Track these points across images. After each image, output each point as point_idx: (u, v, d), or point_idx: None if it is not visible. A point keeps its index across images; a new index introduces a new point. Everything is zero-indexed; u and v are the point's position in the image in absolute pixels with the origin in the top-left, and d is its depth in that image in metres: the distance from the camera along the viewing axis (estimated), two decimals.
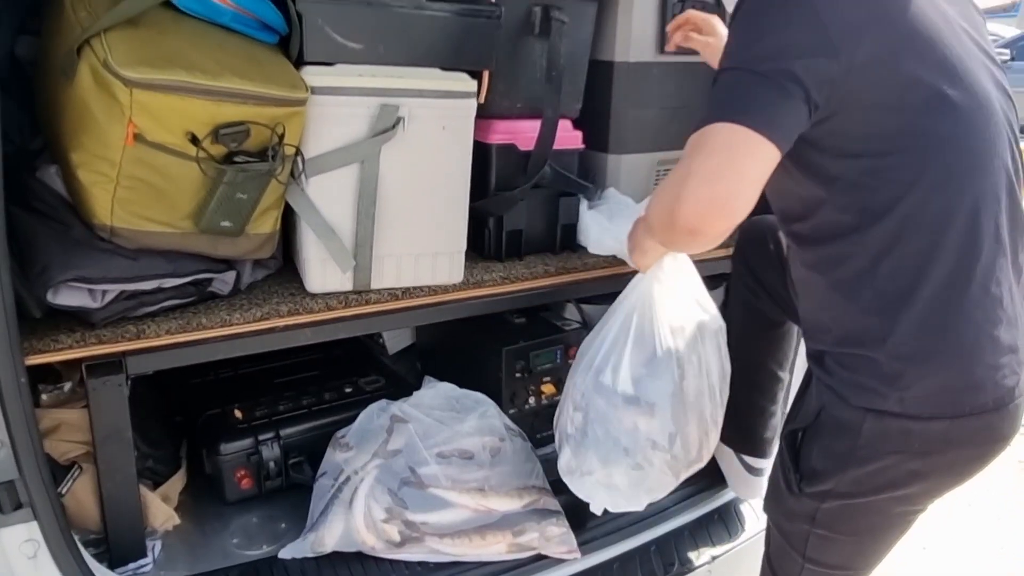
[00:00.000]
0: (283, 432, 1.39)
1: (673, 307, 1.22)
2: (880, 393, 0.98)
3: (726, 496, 1.62)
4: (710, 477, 1.58)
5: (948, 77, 0.93)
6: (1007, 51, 8.88)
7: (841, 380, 1.02)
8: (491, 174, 1.46)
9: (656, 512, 1.46)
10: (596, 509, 1.26)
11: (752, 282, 1.44)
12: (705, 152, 0.89)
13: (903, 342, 0.97)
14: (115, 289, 1.09)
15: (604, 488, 1.24)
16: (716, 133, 0.89)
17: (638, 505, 1.27)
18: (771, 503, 1.19)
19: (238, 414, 1.42)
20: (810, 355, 1.12)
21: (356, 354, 1.70)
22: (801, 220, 1.06)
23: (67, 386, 1.19)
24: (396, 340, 1.85)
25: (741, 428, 1.47)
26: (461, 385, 1.50)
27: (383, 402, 1.38)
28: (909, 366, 0.97)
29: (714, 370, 1.26)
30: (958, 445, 1.00)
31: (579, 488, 1.27)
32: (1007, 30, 11.79)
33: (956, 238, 0.95)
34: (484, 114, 1.40)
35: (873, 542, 1.11)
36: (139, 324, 1.14)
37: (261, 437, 1.37)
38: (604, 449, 1.23)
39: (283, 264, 1.38)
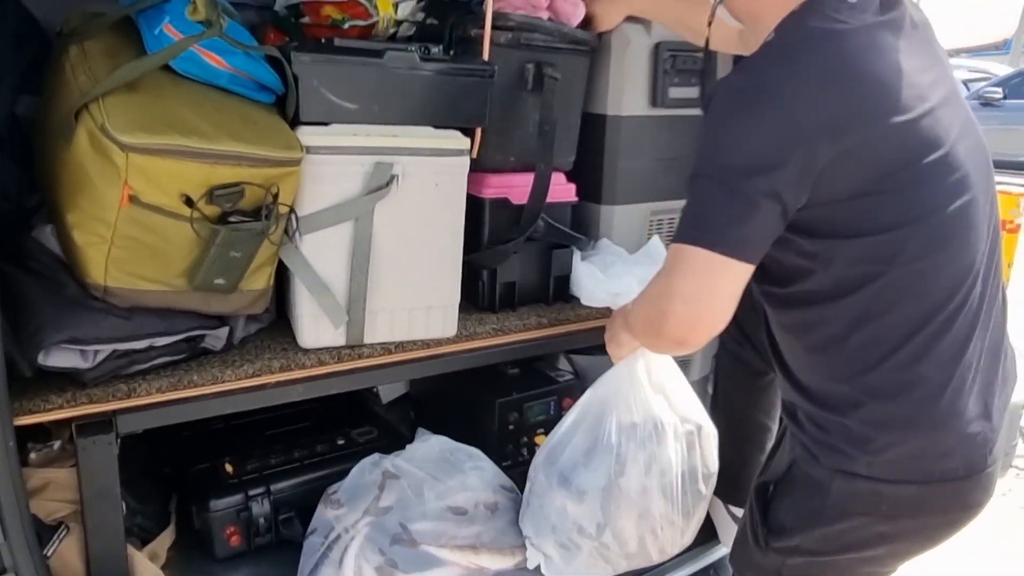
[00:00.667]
0: (274, 487, 1.38)
1: (632, 404, 1.25)
2: (849, 456, 0.99)
3: (721, 550, 1.60)
4: (705, 531, 1.56)
5: (926, 160, 0.94)
6: (999, 89, 9.01)
7: (813, 438, 1.03)
8: (485, 227, 1.48)
9: (651, 568, 1.44)
10: (530, 564, 1.31)
11: (737, 333, 1.45)
12: (682, 273, 0.94)
13: (874, 409, 0.98)
14: (107, 349, 1.09)
15: (541, 554, 1.30)
16: (693, 257, 0.93)
17: None
18: (737, 555, 1.20)
19: (228, 468, 1.41)
20: (785, 408, 1.13)
21: (349, 404, 1.70)
22: (777, 284, 1.07)
23: (56, 444, 1.18)
24: (390, 390, 1.85)
25: (728, 479, 1.47)
26: (456, 436, 1.49)
27: (375, 456, 1.37)
28: (880, 432, 0.98)
29: (673, 470, 1.25)
30: (928, 511, 1.00)
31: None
32: (999, 68, 11.98)
33: (930, 314, 0.95)
34: (477, 168, 1.42)
35: None
36: (130, 382, 1.14)
37: (251, 492, 1.36)
38: (536, 520, 1.29)
39: (276, 317, 1.38)
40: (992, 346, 1.01)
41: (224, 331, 1.23)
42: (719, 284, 0.92)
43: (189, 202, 1.05)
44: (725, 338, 1.51)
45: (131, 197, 1.03)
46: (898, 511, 0.99)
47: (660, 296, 0.97)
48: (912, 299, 0.96)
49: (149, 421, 1.16)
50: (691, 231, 0.94)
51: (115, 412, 1.12)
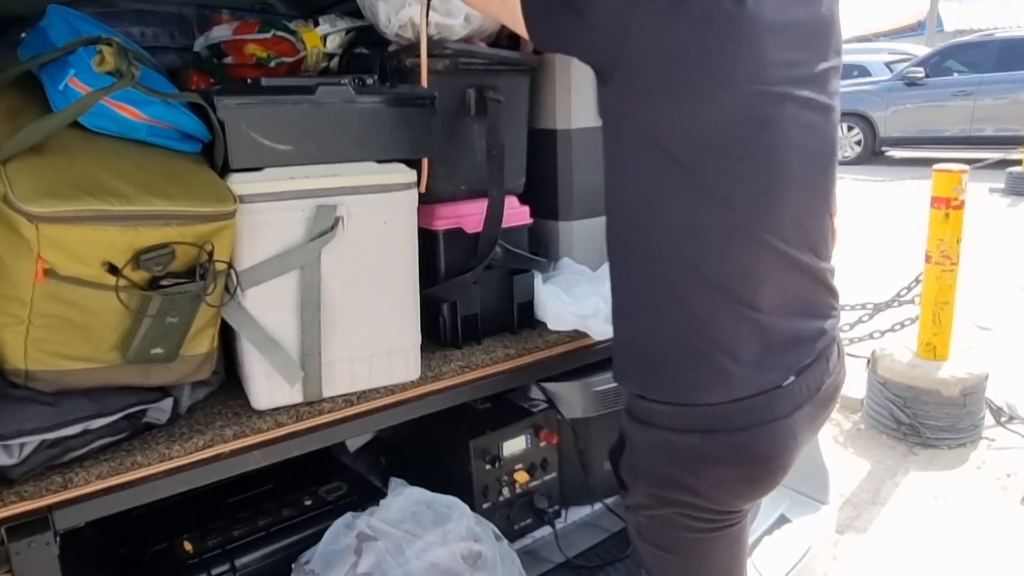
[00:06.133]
0: (239, 562, 1.28)
1: None
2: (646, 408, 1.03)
3: None
4: None
5: None
6: (921, 69, 9.33)
7: (627, 396, 1.08)
8: (440, 260, 1.41)
9: None
10: None
11: None
12: None
13: None
14: (34, 440, 0.98)
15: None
16: None
17: None
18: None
19: (187, 546, 1.30)
20: None
21: (314, 458, 1.59)
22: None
23: None
24: (356, 436, 1.75)
25: None
26: (431, 480, 1.41)
27: (348, 517, 1.28)
28: None
29: None
30: (716, 462, 1.00)
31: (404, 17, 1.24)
32: (917, 48, 12.47)
33: None
34: (427, 199, 1.35)
35: (697, 561, 1.09)
36: (65, 472, 1.03)
37: (214, 572, 1.25)
38: None
39: (226, 377, 1.28)
40: None
41: (168, 403, 1.13)
42: None
43: (113, 270, 0.96)
44: None
45: (46, 271, 0.93)
46: (692, 460, 1.00)
47: None
48: None
49: (91, 512, 1.05)
50: None
51: (51, 507, 1.01)
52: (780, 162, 0.93)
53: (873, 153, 9.68)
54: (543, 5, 0.97)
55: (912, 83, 9.26)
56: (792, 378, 0.99)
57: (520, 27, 1.00)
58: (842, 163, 9.47)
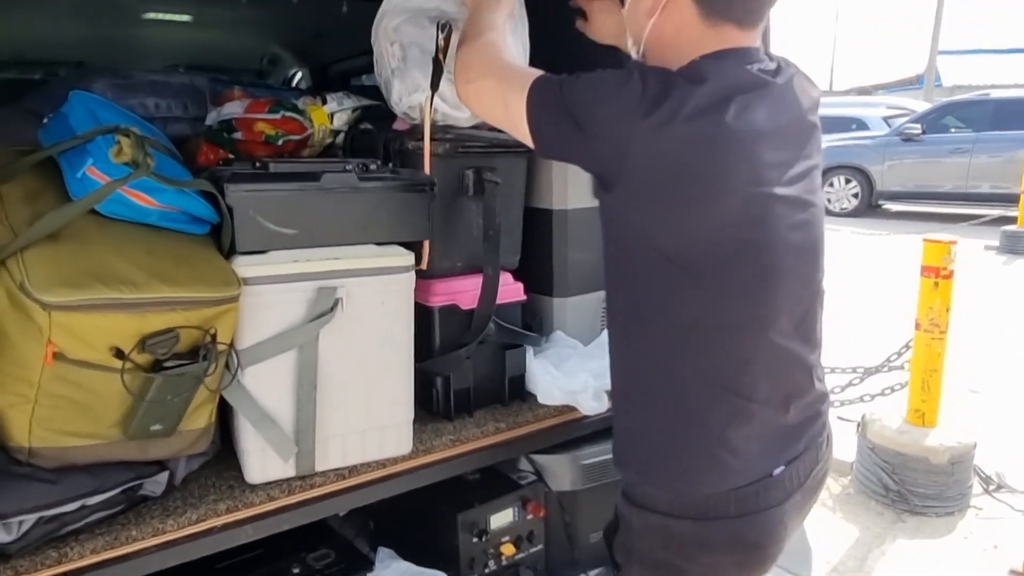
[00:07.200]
0: None
1: None
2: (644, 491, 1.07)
3: None
4: None
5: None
6: (918, 125, 9.50)
7: (625, 478, 1.12)
8: (435, 335, 1.45)
9: None
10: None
11: None
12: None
13: None
14: (32, 518, 1.01)
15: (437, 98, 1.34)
16: None
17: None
18: None
19: None
20: None
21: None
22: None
23: None
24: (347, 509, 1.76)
25: None
26: (418, 549, 1.43)
27: None
28: None
29: None
30: (711, 548, 1.03)
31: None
32: (915, 103, 12.70)
33: None
34: (424, 275, 1.40)
35: None
36: (61, 547, 1.05)
37: None
38: (423, 66, 1.34)
39: (221, 447, 1.31)
40: None
41: (164, 476, 1.16)
42: None
43: (120, 354, 1.00)
44: None
45: (56, 354, 0.97)
46: (686, 546, 1.04)
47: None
48: None
49: None
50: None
51: None
52: (774, 260, 0.98)
53: (869, 206, 9.80)
54: (547, 118, 1.02)
55: (909, 139, 9.42)
56: (782, 467, 1.03)
57: (525, 137, 1.05)
58: (838, 215, 9.62)
